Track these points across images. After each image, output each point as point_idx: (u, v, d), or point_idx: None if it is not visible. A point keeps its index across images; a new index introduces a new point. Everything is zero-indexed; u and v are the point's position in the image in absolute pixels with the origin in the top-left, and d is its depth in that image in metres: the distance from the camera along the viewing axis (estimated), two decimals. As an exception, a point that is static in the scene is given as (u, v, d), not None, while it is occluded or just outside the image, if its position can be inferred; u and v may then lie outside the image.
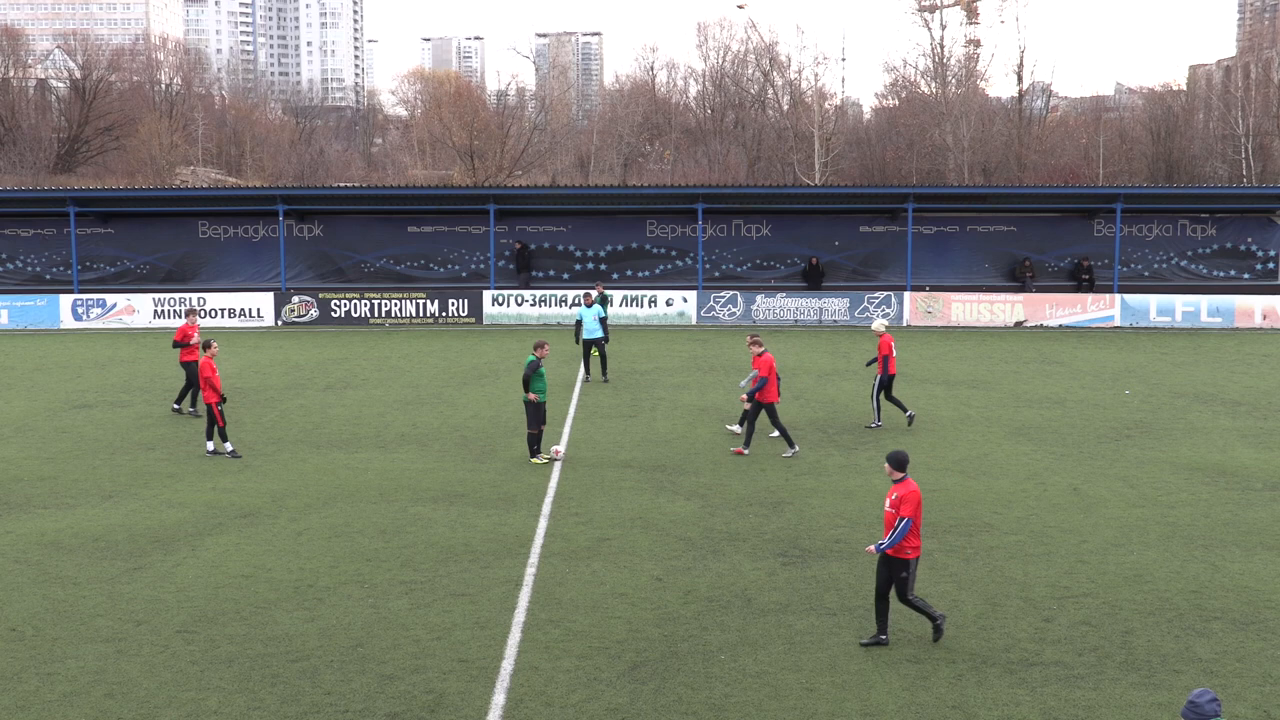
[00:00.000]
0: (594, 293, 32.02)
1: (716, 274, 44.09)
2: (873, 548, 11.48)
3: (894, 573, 11.44)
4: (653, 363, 31.32)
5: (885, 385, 22.64)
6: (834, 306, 41.34)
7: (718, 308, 41.37)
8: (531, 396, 19.40)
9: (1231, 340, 37.04)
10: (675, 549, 14.73)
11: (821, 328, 40.34)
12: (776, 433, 20.68)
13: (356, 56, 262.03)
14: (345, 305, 41.24)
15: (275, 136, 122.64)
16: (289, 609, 12.64)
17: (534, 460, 19.43)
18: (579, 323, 27.94)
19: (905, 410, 22.67)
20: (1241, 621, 12.29)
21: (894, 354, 22.71)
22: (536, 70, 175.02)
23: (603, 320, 28.09)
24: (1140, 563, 14.19)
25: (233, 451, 20.14)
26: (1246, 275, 44.43)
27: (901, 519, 11.28)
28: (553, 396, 22.60)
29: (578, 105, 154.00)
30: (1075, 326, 40.44)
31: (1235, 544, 14.96)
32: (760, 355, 20.18)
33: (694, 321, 41.19)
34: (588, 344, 27.99)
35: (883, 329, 22.84)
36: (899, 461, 11.59)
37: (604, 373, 27.88)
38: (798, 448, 20.20)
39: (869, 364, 23.94)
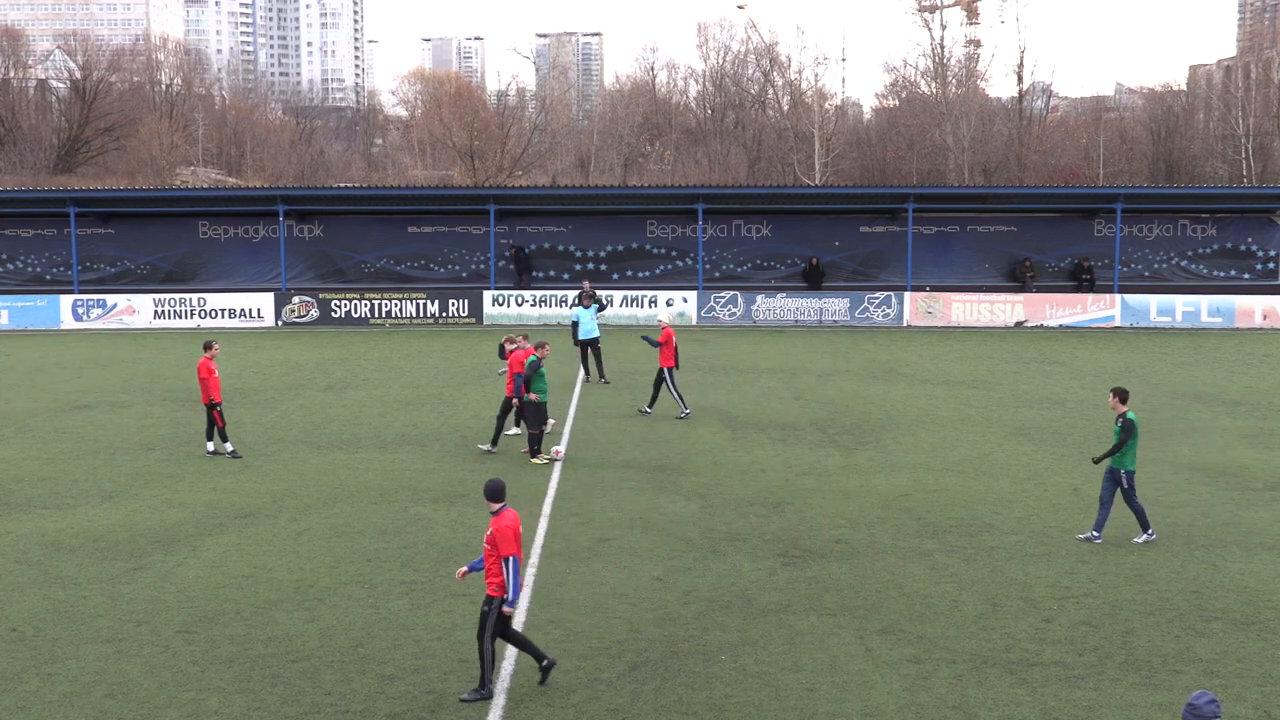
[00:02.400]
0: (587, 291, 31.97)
1: (717, 274, 44.09)
2: (508, 608, 10.29)
3: (481, 606, 10.53)
4: (653, 363, 31.26)
5: (669, 374, 23.50)
6: (834, 307, 41.34)
7: (718, 308, 41.37)
8: (532, 396, 19.43)
9: (1231, 340, 37.04)
10: (675, 549, 14.73)
11: (821, 328, 40.34)
12: (514, 430, 21.15)
13: (357, 57, 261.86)
14: (345, 305, 41.24)
15: (275, 137, 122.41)
16: (289, 609, 12.64)
17: (534, 460, 19.44)
18: (575, 323, 28.02)
19: (649, 406, 23.66)
20: (1241, 621, 12.29)
21: (674, 347, 23.56)
22: (536, 70, 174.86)
23: (598, 309, 28.43)
24: (1140, 563, 14.19)
25: (233, 452, 20.15)
26: (1246, 275, 44.43)
27: (506, 559, 10.30)
28: (553, 396, 22.59)
29: (578, 105, 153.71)
30: (1075, 326, 40.44)
31: (1235, 544, 14.96)
32: (513, 353, 20.55)
33: (694, 322, 41.18)
34: (584, 344, 28.02)
35: (668, 321, 23.94)
36: (495, 491, 10.64)
37: (600, 374, 27.87)
38: (496, 449, 20.26)
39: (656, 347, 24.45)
